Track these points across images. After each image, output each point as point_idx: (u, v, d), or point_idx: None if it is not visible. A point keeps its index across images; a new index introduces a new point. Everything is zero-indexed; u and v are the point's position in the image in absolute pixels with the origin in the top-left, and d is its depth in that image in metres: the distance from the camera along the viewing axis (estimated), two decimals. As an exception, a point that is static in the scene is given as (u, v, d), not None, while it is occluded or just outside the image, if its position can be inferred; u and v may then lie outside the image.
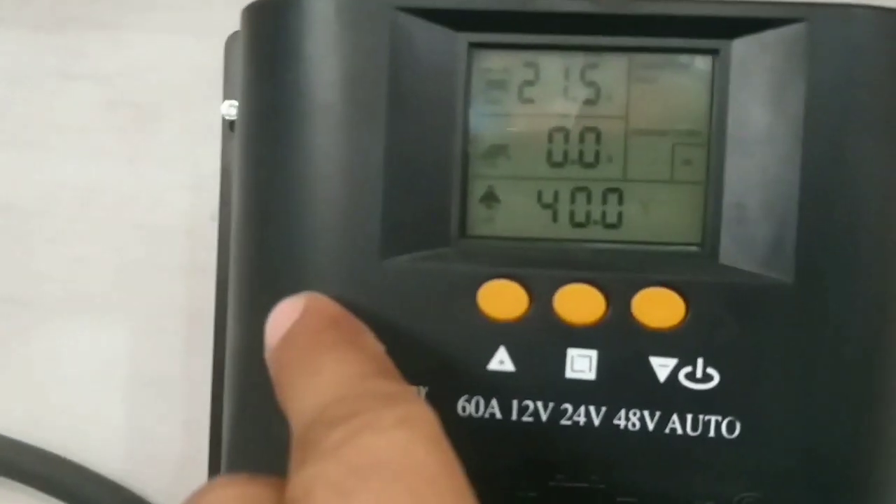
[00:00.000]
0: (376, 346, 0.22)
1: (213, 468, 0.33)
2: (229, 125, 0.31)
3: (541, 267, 0.23)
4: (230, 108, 0.30)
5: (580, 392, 0.24)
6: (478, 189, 0.25)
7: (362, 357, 0.21)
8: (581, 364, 0.24)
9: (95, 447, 0.35)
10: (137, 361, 0.35)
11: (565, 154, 0.25)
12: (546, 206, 0.25)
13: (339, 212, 0.24)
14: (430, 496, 0.18)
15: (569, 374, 0.24)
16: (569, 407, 0.24)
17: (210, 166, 0.33)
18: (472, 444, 0.24)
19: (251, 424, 0.26)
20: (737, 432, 0.23)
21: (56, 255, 0.35)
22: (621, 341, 0.24)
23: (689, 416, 0.24)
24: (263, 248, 0.25)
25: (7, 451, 0.35)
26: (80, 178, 0.35)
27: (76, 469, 0.35)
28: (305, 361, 0.21)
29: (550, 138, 0.24)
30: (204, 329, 0.33)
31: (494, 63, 0.24)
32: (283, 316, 0.23)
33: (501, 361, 0.24)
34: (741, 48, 0.23)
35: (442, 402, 0.24)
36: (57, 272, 0.35)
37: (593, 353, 0.24)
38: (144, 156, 0.35)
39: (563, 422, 0.24)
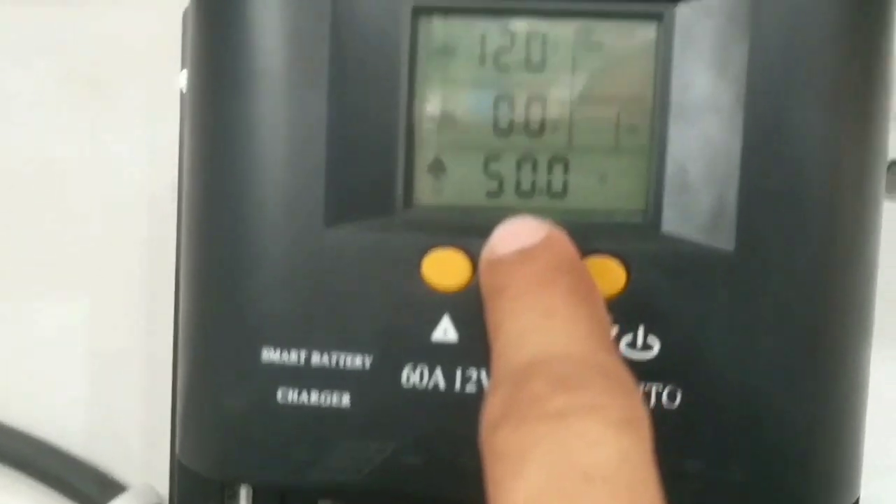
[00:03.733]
0: (605, 311, 0.21)
1: (176, 443, 0.33)
2: (188, 97, 0.31)
3: (485, 236, 0.23)
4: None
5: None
6: (424, 158, 0.24)
7: (594, 319, 0.20)
8: (525, 333, 0.23)
9: (56, 421, 0.35)
10: (98, 336, 0.35)
11: (511, 123, 0.24)
12: (492, 176, 0.25)
13: (283, 179, 0.23)
14: None
15: (512, 342, 0.24)
16: (512, 376, 0.24)
17: (169, 139, 0.33)
18: (415, 415, 0.24)
19: (203, 397, 0.26)
20: (678, 401, 0.23)
21: (15, 230, 0.35)
22: None
23: (631, 385, 0.23)
24: (208, 215, 0.25)
25: (-34, 426, 0.35)
26: (38, 152, 0.35)
27: (36, 443, 0.35)
28: (538, 294, 0.20)
29: (496, 106, 0.24)
30: (165, 302, 0.33)
31: (439, 28, 0.24)
32: (523, 231, 0.22)
33: (445, 331, 0.24)
34: (685, 13, 0.23)
35: (386, 373, 0.24)
36: (16, 246, 0.35)
37: (537, 322, 0.23)
38: (103, 129, 0.34)
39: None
